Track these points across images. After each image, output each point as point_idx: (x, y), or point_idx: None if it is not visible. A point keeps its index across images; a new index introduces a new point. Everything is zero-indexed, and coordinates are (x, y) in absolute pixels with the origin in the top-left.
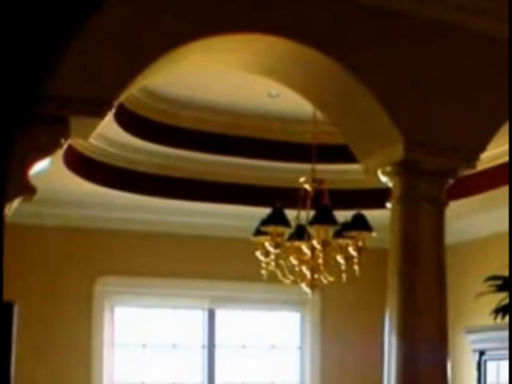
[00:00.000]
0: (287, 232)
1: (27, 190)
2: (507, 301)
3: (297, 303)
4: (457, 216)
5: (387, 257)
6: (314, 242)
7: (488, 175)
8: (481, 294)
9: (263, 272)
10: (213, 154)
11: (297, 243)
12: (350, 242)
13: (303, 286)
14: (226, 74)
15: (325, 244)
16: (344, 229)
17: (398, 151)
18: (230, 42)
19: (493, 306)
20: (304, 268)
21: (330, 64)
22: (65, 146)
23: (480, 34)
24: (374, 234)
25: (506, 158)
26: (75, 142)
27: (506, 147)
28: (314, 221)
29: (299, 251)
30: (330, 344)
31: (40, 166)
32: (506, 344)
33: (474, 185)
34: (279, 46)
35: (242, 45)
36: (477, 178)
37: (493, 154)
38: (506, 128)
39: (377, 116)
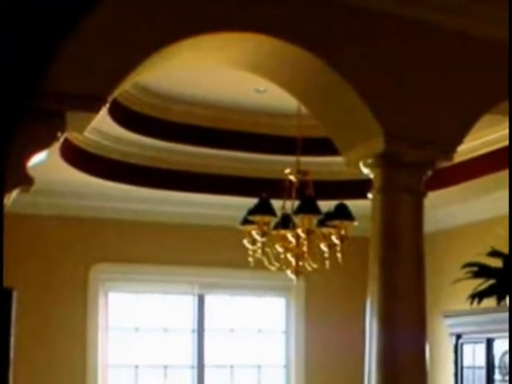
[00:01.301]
0: (273, 221)
1: (25, 180)
2: (483, 287)
3: (282, 289)
4: (435, 206)
5: (368, 245)
6: (299, 231)
7: (465, 167)
8: (458, 280)
9: (250, 259)
10: (202, 146)
11: (282, 232)
12: (333, 230)
13: (288, 272)
14: (215, 71)
15: (309, 232)
16: (327, 218)
17: (378, 144)
18: (218, 40)
19: (469, 291)
20: (289, 255)
21: (314, 61)
22: (61, 139)
23: (458, 33)
24: (355, 223)
25: (482, 151)
26: (71, 135)
27: (482, 140)
28: (299, 210)
29: (284, 239)
30: (313, 328)
31: (38, 158)
32: (482, 328)
33: (451, 176)
34: (266, 44)
35: (231, 43)
36: (454, 170)
37: (469, 147)
38: (481, 122)
39: (358, 110)
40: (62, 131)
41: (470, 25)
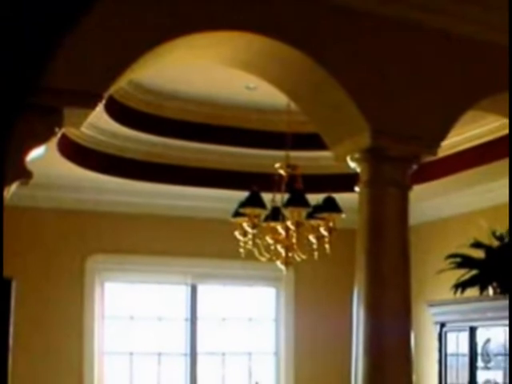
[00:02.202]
0: (263, 213)
1: (24, 174)
2: (466, 277)
3: (272, 279)
4: (420, 199)
5: (355, 236)
6: (288, 223)
7: (448, 162)
8: (442, 271)
9: (241, 250)
10: (195, 141)
11: (272, 224)
12: (321, 222)
13: (278, 263)
14: (207, 69)
15: (298, 225)
16: (316, 211)
17: (365, 139)
18: (210, 38)
19: (453, 281)
20: (279, 247)
21: (303, 59)
22: (59, 135)
23: (440, 31)
24: (343, 216)
25: (465, 146)
26: (68, 130)
27: (465, 136)
28: (288, 203)
29: (274, 231)
30: (302, 316)
31: (36, 153)
32: (465, 316)
33: (435, 170)
34: (256, 43)
35: (222, 41)
36: (438, 164)
37: (453, 142)
38: (464, 118)
39: (346, 107)
40: (60, 126)
41: (452, 24)
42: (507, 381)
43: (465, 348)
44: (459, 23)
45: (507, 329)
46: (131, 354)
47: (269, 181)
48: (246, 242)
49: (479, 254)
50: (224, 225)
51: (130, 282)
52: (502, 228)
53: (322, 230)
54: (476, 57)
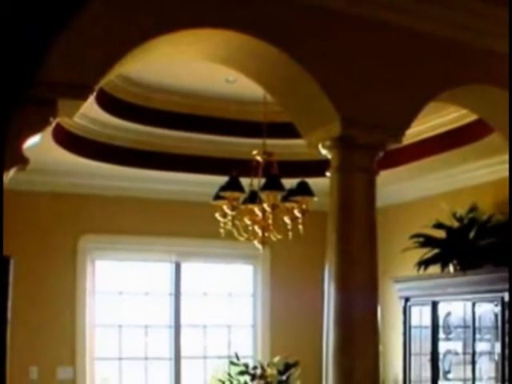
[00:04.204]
0: (242, 197)
1: (21, 161)
2: (428, 255)
3: (250, 257)
4: (386, 183)
5: (327, 218)
6: (265, 205)
7: (412, 149)
8: (406, 249)
9: (221, 230)
10: (179, 130)
11: (250, 206)
12: (295, 205)
13: (255, 242)
14: (191, 63)
15: (274, 207)
16: (290, 194)
17: (335, 128)
18: (193, 35)
19: (416, 259)
20: (256, 227)
21: (279, 55)
22: (53, 124)
23: (404, 29)
24: (315, 199)
25: (428, 134)
26: (62, 120)
27: (427, 125)
28: (265, 187)
29: (252, 213)
30: (278, 292)
31: (32, 141)
32: (427, 292)
33: (400, 157)
34: (235, 40)
35: (204, 38)
36: (403, 151)
37: (416, 131)
38: (427, 109)
39: (318, 98)
40: (54, 117)
41: (415, 22)
42: (466, 350)
43: (427, 321)
44: (422, 21)
45: (466, 303)
46: (120, 326)
47: (247, 166)
48: (225, 223)
49: (441, 233)
50: (205, 207)
51: (119, 259)
52: (461, 210)
53: (296, 212)
54: (437, 53)
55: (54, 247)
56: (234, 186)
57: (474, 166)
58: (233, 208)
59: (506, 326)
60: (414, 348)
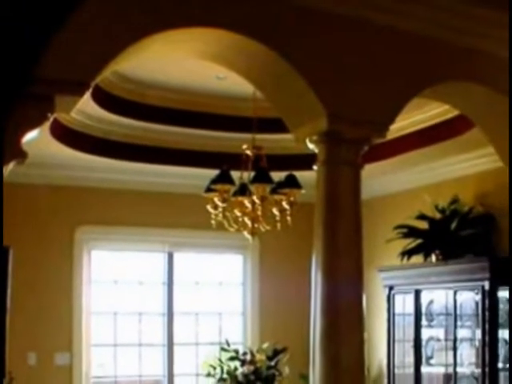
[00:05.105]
0: (232, 189)
1: (20, 154)
2: (412, 245)
3: (240, 247)
4: (371, 176)
5: (314, 210)
6: (254, 198)
7: (396, 143)
8: (390, 240)
9: (213, 222)
10: (172, 125)
11: (240, 198)
12: (283, 197)
13: (245, 233)
14: (183, 61)
15: (263, 199)
16: (278, 187)
17: (322, 123)
18: (185, 34)
19: (400, 249)
20: (246, 218)
21: (268, 52)
22: (51, 119)
23: (388, 27)
24: (303, 191)
25: (411, 129)
26: (59, 115)
27: (411, 120)
28: (254, 180)
29: (242, 205)
30: (266, 281)
31: (31, 136)
32: (410, 280)
33: (384, 151)
34: (226, 38)
35: (195, 37)
36: (387, 146)
37: (399, 126)
38: (410, 105)
39: (305, 94)
40: (52, 112)
41: (398, 21)
42: (448, 337)
43: (410, 308)
44: (406, 20)
45: (448, 291)
46: (115, 313)
47: (237, 160)
48: (216, 215)
49: (423, 225)
50: (197, 199)
51: (114, 250)
52: (443, 202)
53: (284, 204)
54: (420, 51)
55: (51, 238)
56: (224, 178)
57: (455, 160)
58: (223, 200)
59: (486, 313)
60: (398, 335)
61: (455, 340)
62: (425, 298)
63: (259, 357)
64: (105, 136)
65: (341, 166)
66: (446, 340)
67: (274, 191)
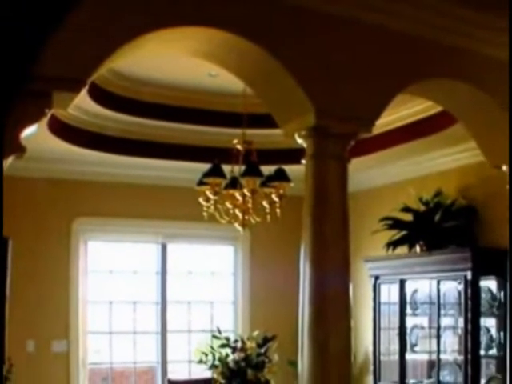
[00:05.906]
0: (223, 182)
1: (19, 149)
2: (397, 237)
3: (231, 238)
4: (357, 170)
5: (302, 202)
6: (245, 191)
7: (382, 138)
8: (376, 231)
9: (205, 214)
10: (166, 121)
11: (231, 191)
12: (273, 190)
13: (236, 225)
14: (176, 58)
15: (253, 192)
16: (268, 180)
17: (310, 119)
18: (178, 33)
19: (385, 240)
20: (237, 211)
21: (258, 51)
22: (49, 115)
23: (375, 26)
24: (292, 184)
25: (396, 125)
26: (57, 111)
27: (396, 116)
28: (245, 173)
29: (233, 198)
30: (257, 271)
31: (29, 131)
32: (395, 270)
33: (370, 145)
34: (217, 37)
35: (188, 35)
36: (373, 140)
37: (385, 122)
38: (395, 101)
39: (294, 91)
40: (50, 108)
41: (386, 20)
42: (432, 325)
43: (395, 297)
44: (392, 19)
45: (432, 281)
46: (110, 302)
47: (228, 154)
48: (208, 207)
49: (408, 217)
50: (190, 192)
51: (110, 240)
52: (427, 195)
53: (274, 197)
54: (406, 48)
55: (49, 229)
56: (216, 172)
57: (438, 154)
58: (215, 193)
59: (469, 302)
60: (383, 323)
61: (439, 328)
62: (409, 288)
63: (250, 344)
64: (101, 131)
65: (328, 160)
66: (430, 328)
67: (263, 184)
